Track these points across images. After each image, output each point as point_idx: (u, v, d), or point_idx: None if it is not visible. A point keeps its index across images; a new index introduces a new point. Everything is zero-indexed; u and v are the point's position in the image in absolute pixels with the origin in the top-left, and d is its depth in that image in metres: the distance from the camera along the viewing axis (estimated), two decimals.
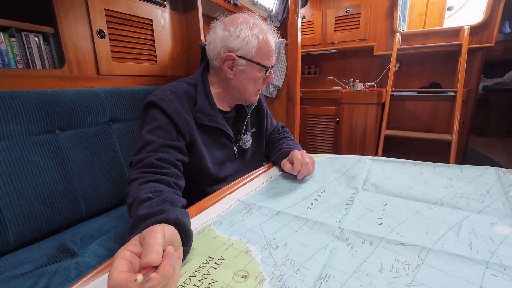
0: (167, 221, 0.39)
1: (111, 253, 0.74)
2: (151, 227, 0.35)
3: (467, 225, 0.47)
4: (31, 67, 0.93)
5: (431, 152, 2.17)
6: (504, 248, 0.41)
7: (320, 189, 0.66)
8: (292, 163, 0.72)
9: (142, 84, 1.25)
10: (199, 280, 0.36)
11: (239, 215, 0.54)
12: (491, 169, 0.69)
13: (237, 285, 0.35)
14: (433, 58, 2.21)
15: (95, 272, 0.38)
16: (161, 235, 0.33)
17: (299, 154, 0.73)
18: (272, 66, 0.75)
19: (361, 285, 0.34)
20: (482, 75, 2.31)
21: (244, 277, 0.36)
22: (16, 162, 0.73)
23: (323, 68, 2.75)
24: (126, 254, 0.32)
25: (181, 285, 0.35)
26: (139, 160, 0.59)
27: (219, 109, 0.77)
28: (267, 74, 0.74)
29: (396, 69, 2.32)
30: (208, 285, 0.35)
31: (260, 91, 0.81)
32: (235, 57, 0.70)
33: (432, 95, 2.03)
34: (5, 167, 0.71)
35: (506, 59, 3.41)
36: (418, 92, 2.10)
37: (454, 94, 1.91)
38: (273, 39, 0.74)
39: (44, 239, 0.79)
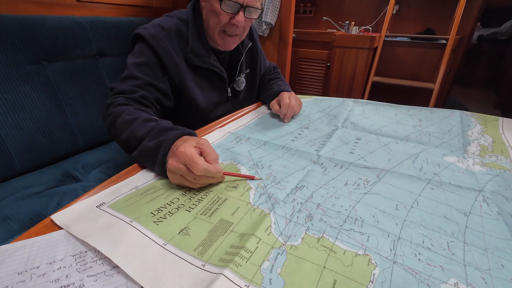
0: (191, 133, 0.49)
1: None
2: (202, 138, 0.46)
3: (423, 155, 0.56)
4: None
5: (413, 99, 2.25)
6: (446, 172, 0.50)
7: (304, 126, 0.72)
8: (280, 105, 0.76)
9: (126, 14, 1.17)
10: (197, 191, 0.44)
11: (229, 144, 0.60)
12: (457, 112, 0.77)
13: (229, 193, 0.43)
14: (434, 0, 2.11)
15: (103, 185, 0.45)
16: None
17: (287, 97, 0.75)
18: (241, 5, 0.63)
19: (327, 193, 0.43)
20: (479, 23, 2.26)
21: (234, 187, 0.44)
22: (8, 92, 0.74)
23: (320, 7, 2.58)
24: (196, 151, 0.42)
25: (182, 193, 0.43)
26: (123, 91, 0.61)
27: (213, 48, 0.75)
28: (222, 7, 0.63)
29: (394, 12, 2.22)
30: (205, 193, 0.43)
31: (238, 35, 0.71)
32: None
33: (424, 42, 2.01)
34: None
35: (509, 7, 3.27)
36: (411, 38, 2.06)
37: (445, 42, 1.90)
38: None
39: (47, 166, 0.85)
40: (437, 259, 0.30)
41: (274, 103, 0.78)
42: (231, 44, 0.73)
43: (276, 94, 0.81)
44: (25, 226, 0.63)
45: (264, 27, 1.32)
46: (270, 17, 1.26)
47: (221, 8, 0.63)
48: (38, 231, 0.35)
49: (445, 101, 2.27)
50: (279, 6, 1.29)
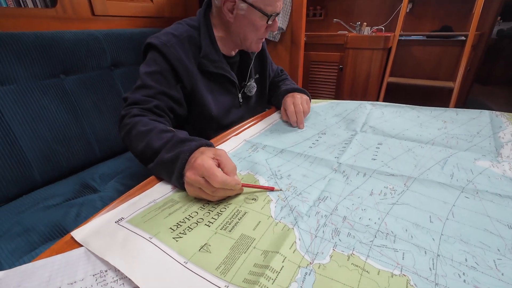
0: (208, 144, 0.48)
1: (130, 188, 0.82)
2: (219, 149, 0.45)
3: (453, 160, 0.53)
4: (22, 5, 0.88)
5: (432, 100, 2.17)
6: (481, 178, 0.46)
7: (321, 131, 0.70)
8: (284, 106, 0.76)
9: (139, 26, 1.19)
10: (216, 204, 0.42)
11: (246, 152, 0.59)
12: (486, 113, 0.73)
13: (248, 205, 0.41)
14: None
15: (122, 198, 0.44)
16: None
17: (291, 103, 0.73)
18: (277, 14, 0.69)
19: (352, 204, 0.40)
20: (499, 18, 2.17)
21: (254, 199, 0.43)
22: (28, 105, 0.76)
23: (330, 9, 2.55)
24: (214, 163, 0.41)
25: (200, 206, 0.42)
26: (136, 101, 0.61)
27: (222, 54, 0.75)
28: (269, 22, 0.68)
29: (408, 10, 2.16)
30: (224, 207, 0.41)
31: (263, 39, 0.76)
32: None
33: (441, 39, 1.94)
34: (18, 109, 0.74)
35: None
36: (427, 36, 2.00)
37: (464, 39, 1.82)
38: None
39: (65, 178, 0.86)
40: (485, 281, 0.27)
41: (282, 111, 0.78)
42: (260, 45, 0.77)
43: (283, 94, 0.82)
44: (45, 238, 0.64)
45: (276, 32, 1.30)
46: (281, 22, 1.25)
47: (267, 23, 0.68)
48: (58, 249, 0.34)
49: (465, 100, 2.17)
50: (289, 11, 1.28)
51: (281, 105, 0.79)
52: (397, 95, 2.25)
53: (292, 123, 0.73)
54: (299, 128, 0.72)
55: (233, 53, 0.79)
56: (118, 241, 0.34)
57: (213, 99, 0.74)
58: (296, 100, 0.74)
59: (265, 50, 0.88)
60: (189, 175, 0.41)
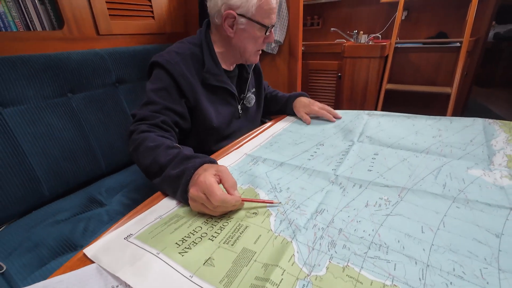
0: (211, 161, 0.51)
1: (135, 202, 0.84)
2: (221, 165, 0.48)
3: (446, 169, 0.55)
4: (31, 29, 0.92)
5: (431, 105, 2.19)
6: (472, 187, 0.48)
7: (319, 142, 0.72)
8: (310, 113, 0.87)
9: (142, 43, 1.24)
10: (218, 218, 0.44)
11: (247, 166, 0.61)
12: (479, 120, 0.75)
13: (249, 220, 0.43)
14: (444, 3, 2.08)
15: (129, 215, 0.46)
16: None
17: (319, 109, 0.85)
18: (273, 25, 0.74)
19: (348, 216, 0.42)
20: (493, 22, 2.20)
21: (255, 213, 0.45)
22: (37, 123, 0.79)
23: (327, 18, 2.61)
24: (215, 180, 0.43)
25: (204, 221, 0.44)
26: (144, 117, 0.64)
27: (223, 68, 0.79)
28: (267, 33, 0.74)
29: (403, 17, 2.20)
30: (226, 221, 0.44)
31: (260, 51, 0.81)
32: (236, 15, 0.70)
33: (438, 46, 1.97)
34: (28, 128, 0.78)
35: None
36: (423, 43, 2.03)
37: (460, 45, 1.85)
38: None
39: (73, 192, 0.89)
40: None
41: (302, 114, 0.87)
42: (258, 57, 0.82)
43: (292, 98, 0.93)
44: (55, 253, 0.66)
45: (273, 45, 1.34)
46: (279, 35, 1.29)
47: (265, 34, 0.74)
48: (72, 265, 0.36)
49: (464, 105, 2.19)
50: (287, 23, 1.31)
51: (294, 109, 0.91)
52: (396, 101, 2.28)
53: (330, 119, 0.85)
54: (337, 118, 0.87)
55: (232, 68, 0.83)
56: (127, 257, 0.36)
57: (214, 111, 0.78)
58: (318, 104, 0.88)
59: (258, 63, 0.93)
60: (193, 191, 0.43)
